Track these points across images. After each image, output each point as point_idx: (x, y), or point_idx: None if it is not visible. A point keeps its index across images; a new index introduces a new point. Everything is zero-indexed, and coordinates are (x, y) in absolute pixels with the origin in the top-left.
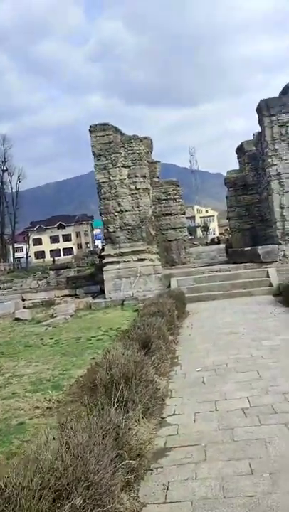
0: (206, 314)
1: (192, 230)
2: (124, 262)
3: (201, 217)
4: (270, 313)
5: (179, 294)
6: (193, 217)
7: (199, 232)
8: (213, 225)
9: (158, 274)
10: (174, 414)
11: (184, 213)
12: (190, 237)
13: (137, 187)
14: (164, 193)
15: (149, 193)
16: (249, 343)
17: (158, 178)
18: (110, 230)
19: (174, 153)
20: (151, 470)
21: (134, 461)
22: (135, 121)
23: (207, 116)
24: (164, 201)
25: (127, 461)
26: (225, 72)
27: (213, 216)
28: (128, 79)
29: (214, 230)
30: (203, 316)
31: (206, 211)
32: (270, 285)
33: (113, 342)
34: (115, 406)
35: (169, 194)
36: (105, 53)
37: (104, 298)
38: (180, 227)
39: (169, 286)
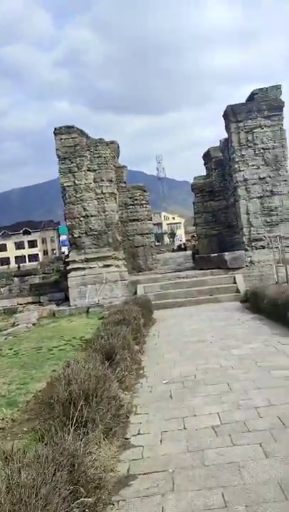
0: (172, 321)
1: (159, 237)
2: (90, 268)
3: (168, 224)
4: (237, 320)
5: (146, 301)
6: (160, 224)
7: (166, 239)
8: (180, 232)
9: (124, 280)
10: (138, 434)
11: (151, 219)
12: (157, 243)
13: (103, 191)
14: (130, 198)
15: (115, 198)
16: (217, 352)
17: (125, 183)
18: (75, 235)
19: (141, 161)
20: (112, 504)
21: (90, 499)
22: (102, 128)
23: (174, 125)
24: (130, 206)
25: (82, 499)
26: (191, 82)
27: (180, 223)
28: (95, 86)
29: (181, 236)
30: (170, 324)
31: (173, 218)
32: (237, 291)
33: (76, 352)
34: (73, 427)
35: (136, 199)
36: (73, 60)
37: (69, 305)
38: (147, 233)
39: (136, 293)
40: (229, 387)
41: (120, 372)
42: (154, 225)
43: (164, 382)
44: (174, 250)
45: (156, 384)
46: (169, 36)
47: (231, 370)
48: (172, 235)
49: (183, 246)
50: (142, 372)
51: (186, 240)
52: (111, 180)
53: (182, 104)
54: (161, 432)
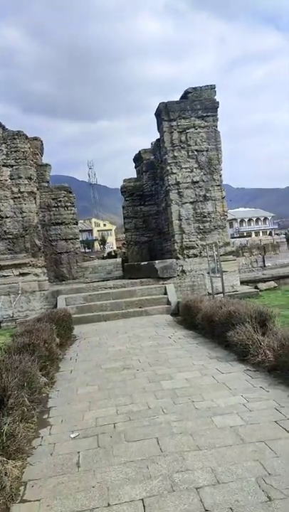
0: (95, 340)
1: (90, 244)
2: (4, 276)
3: (98, 230)
4: (169, 338)
5: (65, 315)
6: (90, 231)
7: (97, 246)
8: (111, 239)
9: (44, 290)
10: None
11: (77, 223)
12: (87, 250)
13: (21, 190)
14: (54, 199)
15: (35, 198)
16: (145, 385)
17: (48, 182)
18: None
19: (73, 167)
20: None
21: None
22: (34, 131)
23: (107, 132)
24: (54, 208)
25: None
26: (125, 91)
27: (111, 230)
28: (28, 88)
29: (112, 243)
30: (93, 343)
31: (104, 225)
32: (168, 303)
33: None
34: None
35: (60, 201)
36: (4, 61)
37: None
38: (72, 238)
39: (57, 305)
40: (159, 446)
41: (12, 424)
42: (85, 231)
43: (73, 436)
44: (103, 257)
45: (62, 439)
46: (104, 45)
47: (162, 416)
48: (103, 241)
49: (113, 253)
50: (45, 417)
51: (117, 247)
52: (30, 178)
53: (116, 112)
54: None
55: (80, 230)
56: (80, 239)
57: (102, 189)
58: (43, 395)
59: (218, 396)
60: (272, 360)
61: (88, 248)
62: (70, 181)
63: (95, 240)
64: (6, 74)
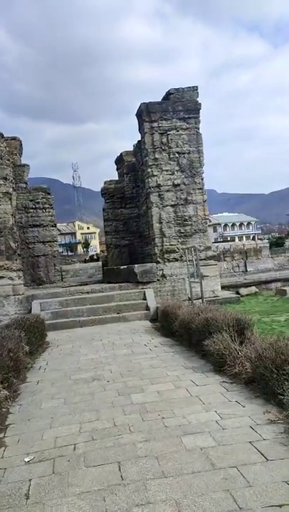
0: (68, 347)
1: (73, 247)
2: None
3: (82, 233)
4: (145, 346)
5: (36, 321)
6: (74, 234)
7: (80, 249)
8: (95, 242)
9: (19, 295)
10: None
11: (55, 225)
12: (70, 253)
13: None
14: (31, 200)
15: (10, 199)
16: (114, 398)
17: (26, 183)
18: None
19: (58, 169)
20: None
21: None
22: (19, 134)
23: (93, 135)
24: (31, 210)
25: None
26: (112, 94)
27: (94, 233)
28: (11, 89)
29: (95, 247)
30: (65, 351)
31: (88, 228)
32: (147, 308)
33: None
34: None
35: (38, 202)
36: None
37: None
38: (50, 241)
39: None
40: (121, 472)
41: None
42: (68, 234)
43: (27, 460)
44: (85, 261)
45: (14, 464)
46: (90, 48)
47: (128, 435)
48: (86, 245)
49: (95, 256)
50: (1, 436)
51: (101, 251)
52: (6, 178)
53: (102, 115)
54: None
55: (63, 233)
56: (63, 242)
57: (87, 192)
58: (3, 409)
59: (191, 412)
60: (250, 371)
61: (71, 251)
62: (55, 184)
63: (78, 243)
64: None
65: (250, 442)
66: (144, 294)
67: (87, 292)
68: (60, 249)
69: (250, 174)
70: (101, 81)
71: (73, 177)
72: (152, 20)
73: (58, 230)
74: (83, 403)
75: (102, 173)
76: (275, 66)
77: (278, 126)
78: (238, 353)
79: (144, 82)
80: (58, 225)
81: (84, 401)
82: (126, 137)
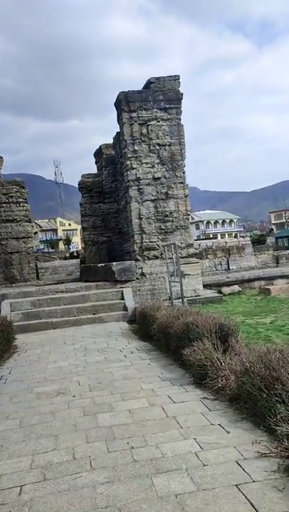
0: (37, 353)
1: (54, 243)
2: None
3: (63, 230)
4: (120, 352)
5: (2, 325)
6: (55, 230)
7: (62, 246)
8: (77, 239)
9: None
10: None
11: (30, 220)
12: (51, 250)
13: None
14: (5, 194)
15: None
16: (78, 419)
17: None
18: None
19: (40, 166)
20: None
21: None
22: (1, 129)
23: (76, 132)
24: (4, 205)
25: None
26: (94, 91)
27: (76, 230)
28: None
29: (77, 243)
30: (32, 357)
31: (70, 224)
32: (125, 309)
33: None
34: None
35: (12, 196)
36: None
37: None
38: (24, 237)
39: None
40: None
41: None
42: (49, 230)
43: None
44: (65, 258)
45: None
46: (74, 44)
47: (87, 474)
48: (68, 241)
49: (76, 253)
50: None
51: (82, 248)
52: None
53: (85, 112)
54: None
55: (44, 230)
56: (44, 238)
57: (70, 188)
58: None
59: (166, 439)
60: (235, 387)
61: (52, 248)
62: (38, 180)
63: (60, 239)
64: None
65: (236, 486)
66: (122, 293)
67: (62, 291)
68: (41, 246)
69: (232, 173)
70: (85, 77)
71: (55, 173)
72: (136, 17)
73: (39, 226)
74: (41, 426)
75: (86, 169)
76: (258, 66)
77: (261, 125)
78: (222, 364)
79: (129, 79)
80: (40, 221)
81: (43, 423)
82: (110, 134)
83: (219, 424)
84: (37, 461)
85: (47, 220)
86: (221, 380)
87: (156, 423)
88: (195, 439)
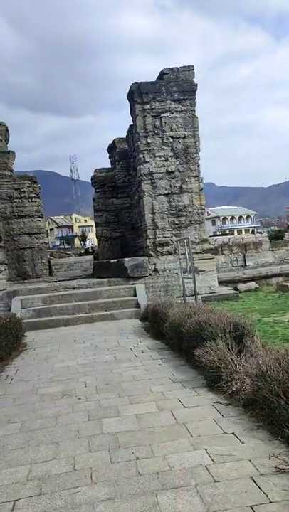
0: (46, 351)
1: (70, 240)
2: None
3: (79, 226)
4: (130, 351)
5: (10, 322)
6: (71, 227)
7: (77, 242)
8: (92, 235)
9: None
10: None
11: (42, 216)
12: (67, 246)
13: None
14: (17, 189)
15: None
16: (81, 424)
17: (11, 171)
18: None
19: (56, 162)
20: None
21: None
22: (17, 126)
23: (92, 128)
24: (16, 200)
25: None
26: (109, 87)
27: (91, 226)
28: (9, 81)
29: (92, 240)
30: (40, 356)
31: (85, 220)
32: (138, 306)
33: None
34: None
35: (24, 191)
36: None
37: None
38: (36, 233)
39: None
40: None
41: None
42: (65, 227)
43: None
44: (80, 254)
45: None
46: (89, 41)
47: (88, 487)
48: (83, 238)
49: (91, 249)
50: None
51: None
52: None
53: (100, 107)
54: None
55: (60, 226)
56: (60, 235)
57: (86, 185)
58: None
59: (174, 449)
60: (250, 391)
61: (68, 244)
62: (53, 177)
63: (75, 236)
64: None
65: (251, 508)
66: (135, 290)
67: (74, 288)
68: (57, 243)
69: (249, 168)
70: (99, 73)
71: (71, 170)
72: (152, 12)
73: (55, 222)
74: (43, 431)
75: (101, 165)
76: (276, 59)
77: (277, 119)
78: (236, 366)
79: (143, 74)
80: (56, 217)
81: (44, 427)
82: (125, 129)
83: (233, 433)
84: (34, 471)
85: (62, 217)
86: (236, 384)
87: (164, 430)
88: (206, 449)
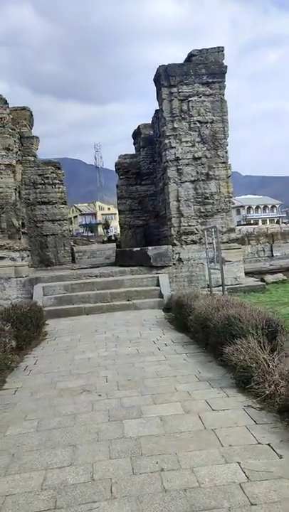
0: (66, 341)
1: (93, 227)
2: None
3: (102, 214)
4: (154, 344)
5: (31, 310)
6: (94, 214)
7: (101, 230)
8: (115, 223)
9: (21, 277)
10: None
11: (65, 202)
12: (90, 234)
13: None
14: (40, 175)
15: (14, 172)
16: (101, 425)
17: (35, 156)
18: None
19: (82, 150)
20: None
21: None
22: (43, 113)
23: (117, 115)
24: (40, 186)
25: None
26: (136, 74)
27: (115, 214)
28: (37, 68)
29: (115, 228)
30: (61, 346)
31: (109, 208)
32: (161, 296)
33: None
34: None
35: (47, 177)
36: (13, 39)
37: None
38: (60, 220)
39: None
40: None
41: None
42: (88, 215)
43: None
44: (103, 242)
45: None
46: (115, 27)
47: (106, 502)
48: (106, 225)
49: (113, 237)
50: None
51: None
52: (9, 149)
53: (126, 95)
54: None
55: (84, 214)
56: (84, 222)
57: (110, 173)
58: None
59: (203, 460)
60: (286, 396)
61: (91, 232)
62: (78, 165)
63: (99, 223)
64: (14, 53)
65: None
66: (158, 279)
67: (96, 276)
68: (81, 230)
69: (274, 156)
70: (126, 60)
71: (95, 157)
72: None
73: (79, 210)
74: (60, 431)
75: (125, 152)
76: None
77: None
78: (269, 366)
79: (170, 60)
80: (79, 205)
81: (62, 427)
82: (150, 117)
83: (268, 444)
84: (50, 479)
85: (86, 204)
86: (269, 386)
87: (191, 437)
88: (239, 463)
